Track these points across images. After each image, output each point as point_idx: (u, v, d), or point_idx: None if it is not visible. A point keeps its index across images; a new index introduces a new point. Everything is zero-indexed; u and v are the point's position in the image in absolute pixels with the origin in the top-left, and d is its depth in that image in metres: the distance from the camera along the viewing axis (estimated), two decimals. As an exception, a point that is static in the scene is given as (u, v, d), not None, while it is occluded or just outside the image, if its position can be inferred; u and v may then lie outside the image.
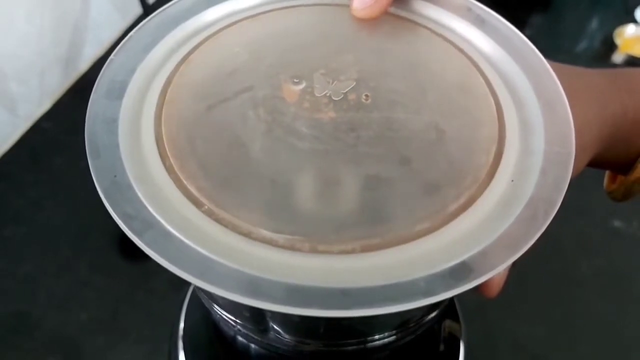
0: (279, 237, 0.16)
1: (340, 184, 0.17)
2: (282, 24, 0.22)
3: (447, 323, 0.32)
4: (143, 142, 0.18)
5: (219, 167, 0.18)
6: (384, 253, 0.16)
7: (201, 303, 0.26)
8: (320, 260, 0.16)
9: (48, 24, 0.67)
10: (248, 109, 0.19)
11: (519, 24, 0.25)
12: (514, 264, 0.16)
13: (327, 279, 0.15)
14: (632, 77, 0.26)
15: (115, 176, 0.17)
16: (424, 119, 0.19)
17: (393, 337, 0.23)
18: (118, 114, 0.19)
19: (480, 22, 0.23)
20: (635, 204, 0.28)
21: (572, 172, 0.18)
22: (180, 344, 0.31)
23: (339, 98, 0.20)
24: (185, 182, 0.17)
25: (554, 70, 0.21)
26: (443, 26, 0.23)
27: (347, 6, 0.22)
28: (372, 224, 0.17)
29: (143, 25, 0.22)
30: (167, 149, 0.18)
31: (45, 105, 0.70)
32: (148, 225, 0.16)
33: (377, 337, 0.23)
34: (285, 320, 0.22)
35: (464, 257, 0.16)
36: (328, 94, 0.20)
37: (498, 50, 0.22)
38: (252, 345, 0.26)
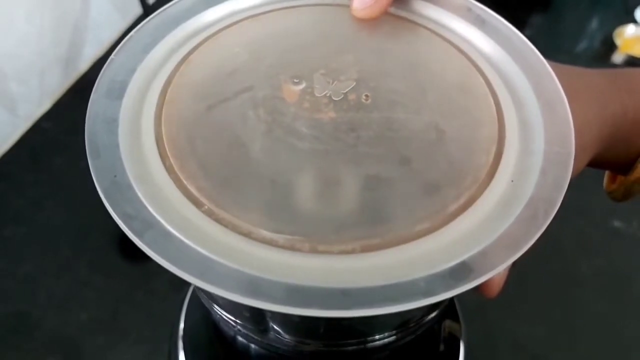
0: (279, 237, 0.16)
1: (340, 184, 0.17)
2: (282, 24, 0.22)
3: (447, 323, 0.32)
4: (143, 142, 0.18)
5: (219, 167, 0.18)
6: (384, 253, 0.16)
7: (201, 303, 0.26)
8: (320, 260, 0.16)
9: (48, 24, 0.67)
10: (248, 109, 0.19)
11: (519, 24, 0.25)
12: (514, 264, 0.16)
13: (327, 279, 0.15)
14: (632, 77, 0.26)
15: (115, 176, 0.17)
16: (424, 119, 0.19)
17: (393, 337, 0.23)
18: (118, 113, 0.19)
19: (480, 23, 0.23)
20: (635, 204, 0.28)
21: (572, 172, 0.18)
22: (180, 344, 0.31)
23: (339, 98, 0.20)
24: (185, 182, 0.17)
25: (554, 70, 0.21)
26: (443, 26, 0.23)
27: (347, 6, 0.22)
28: (372, 224, 0.17)
29: (143, 25, 0.22)
30: (167, 149, 0.18)
31: (45, 105, 0.70)
32: (148, 225, 0.16)
33: (377, 337, 0.23)
34: (286, 320, 0.22)
35: (464, 257, 0.16)
36: (328, 94, 0.20)
37: (498, 50, 0.22)
38: (252, 346, 0.26)
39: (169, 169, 0.18)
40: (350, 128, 0.19)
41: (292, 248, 0.16)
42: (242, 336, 0.25)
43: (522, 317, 0.53)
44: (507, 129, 0.19)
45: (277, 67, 0.21)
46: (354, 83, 0.20)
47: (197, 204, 0.17)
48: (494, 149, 0.19)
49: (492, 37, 0.22)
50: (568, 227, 0.59)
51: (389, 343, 0.23)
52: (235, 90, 0.20)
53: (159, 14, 0.22)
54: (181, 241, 0.16)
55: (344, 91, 0.20)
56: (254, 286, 0.15)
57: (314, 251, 0.16)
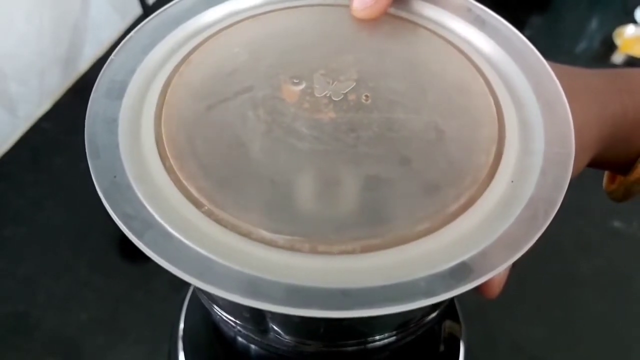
0: (279, 238, 0.16)
1: (340, 184, 0.17)
2: (282, 24, 0.22)
3: (447, 323, 0.32)
4: (143, 142, 0.18)
5: (219, 167, 0.18)
6: (384, 253, 0.16)
7: (201, 304, 0.26)
8: (320, 260, 0.16)
9: (48, 24, 0.67)
10: (248, 109, 0.19)
11: (519, 24, 0.25)
12: (514, 264, 0.16)
13: (327, 279, 0.15)
14: (631, 77, 0.26)
15: (115, 176, 0.17)
16: (423, 119, 0.19)
17: (393, 338, 0.23)
18: (118, 114, 0.19)
19: (480, 23, 0.23)
20: (635, 204, 0.28)
21: (572, 172, 0.18)
22: (180, 345, 0.31)
23: (339, 98, 0.20)
24: (185, 182, 0.17)
25: (554, 70, 0.21)
26: (443, 27, 0.23)
27: (347, 6, 0.22)
28: (372, 225, 0.17)
29: (143, 25, 0.22)
30: (167, 149, 0.18)
31: (45, 106, 0.70)
32: (148, 225, 0.16)
33: (377, 337, 0.23)
34: (286, 321, 0.22)
35: (464, 257, 0.16)
36: (328, 95, 0.20)
37: (498, 50, 0.22)
38: (252, 346, 0.26)
39: (169, 169, 0.18)
40: (350, 128, 0.19)
41: (292, 248, 0.16)
42: (242, 337, 0.25)
43: (522, 318, 0.53)
44: (507, 129, 0.19)
45: (277, 67, 0.21)
46: (354, 83, 0.20)
47: (196, 204, 0.17)
48: (493, 149, 0.19)
49: (492, 38, 0.22)
50: (568, 227, 0.59)
51: (389, 343, 0.23)
52: (235, 90, 0.20)
53: (158, 14, 0.22)
54: (181, 241, 0.16)
55: (344, 91, 0.20)
56: (254, 287, 0.15)
57: (314, 251, 0.16)
